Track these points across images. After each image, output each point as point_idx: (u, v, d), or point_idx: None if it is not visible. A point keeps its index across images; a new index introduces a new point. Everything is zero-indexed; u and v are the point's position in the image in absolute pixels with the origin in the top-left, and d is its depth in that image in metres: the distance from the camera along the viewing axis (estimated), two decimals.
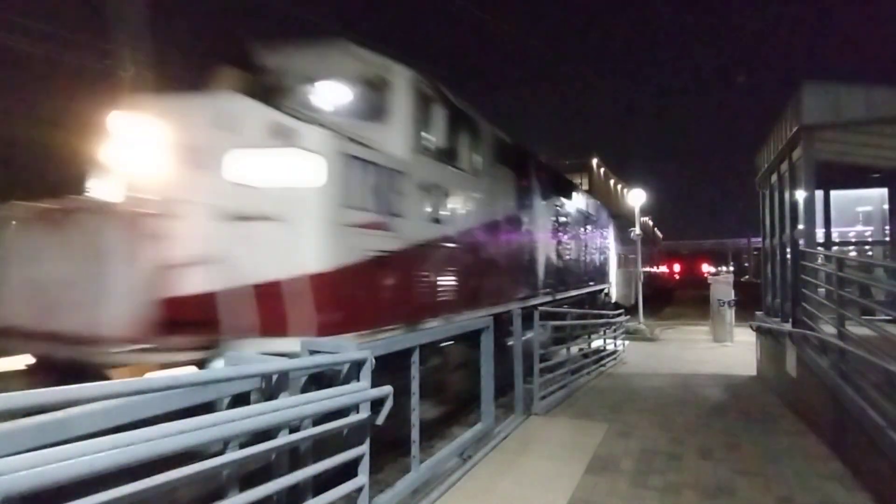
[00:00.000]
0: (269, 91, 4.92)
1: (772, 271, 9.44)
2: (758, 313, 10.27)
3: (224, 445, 2.21)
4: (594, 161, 28.42)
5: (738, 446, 5.47)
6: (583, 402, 7.56)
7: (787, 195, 8.19)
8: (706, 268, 61.23)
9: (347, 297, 3.95)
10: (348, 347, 3.07)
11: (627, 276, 20.71)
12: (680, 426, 6.26)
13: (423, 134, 5.28)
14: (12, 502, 1.43)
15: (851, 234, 13.21)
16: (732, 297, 16.33)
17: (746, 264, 67.62)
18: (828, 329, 5.84)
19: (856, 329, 5.16)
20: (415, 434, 3.92)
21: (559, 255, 10.30)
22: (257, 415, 2.29)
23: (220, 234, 3.68)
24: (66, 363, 3.23)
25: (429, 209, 5.30)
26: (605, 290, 15.77)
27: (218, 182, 3.82)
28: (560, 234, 10.46)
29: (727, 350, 14.57)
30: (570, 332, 8.48)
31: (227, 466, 2.20)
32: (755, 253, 53.36)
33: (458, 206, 6.03)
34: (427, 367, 4.54)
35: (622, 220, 21.20)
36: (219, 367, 3.10)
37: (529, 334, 6.72)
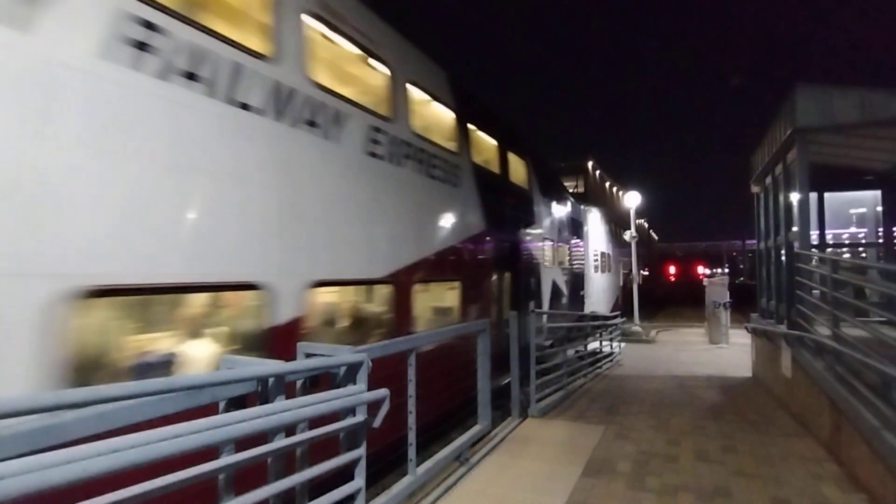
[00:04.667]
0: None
1: (766, 273, 9.48)
2: (753, 315, 10.31)
3: (220, 449, 2.20)
4: (590, 163, 28.47)
5: (734, 448, 5.48)
6: (580, 404, 7.56)
7: (781, 197, 8.24)
8: (702, 270, 61.54)
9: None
10: (344, 350, 3.07)
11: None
12: (676, 428, 6.28)
13: None
14: None
15: (845, 236, 13.31)
16: (728, 299, 16.41)
17: (741, 266, 67.89)
18: (822, 331, 5.86)
19: (850, 330, 5.18)
20: (411, 437, 3.91)
21: None
22: (253, 418, 2.28)
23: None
24: None
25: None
26: None
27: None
28: None
29: (723, 352, 14.63)
30: None
31: (222, 470, 2.19)
32: (750, 255, 53.62)
33: None
34: None
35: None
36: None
37: None
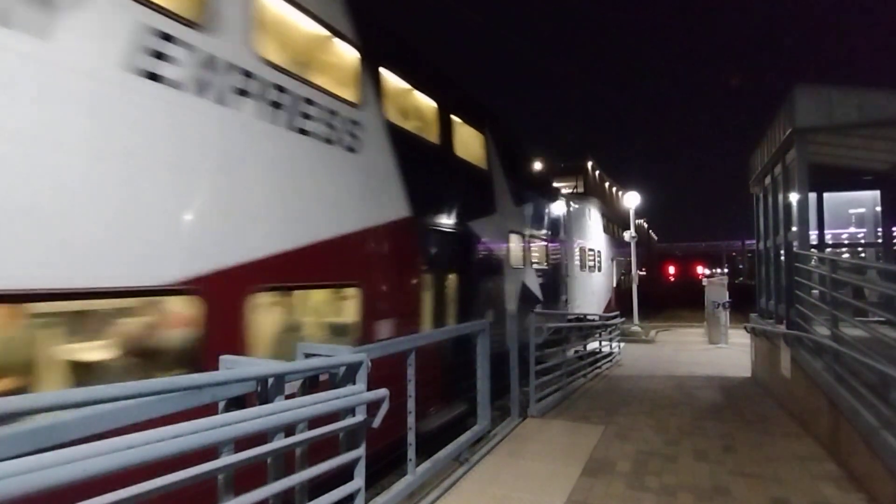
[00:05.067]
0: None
1: (766, 273, 9.49)
2: (752, 315, 10.32)
3: (219, 449, 2.20)
4: (589, 163, 28.50)
5: (733, 448, 5.49)
6: (579, 404, 7.57)
7: (780, 197, 8.25)
8: (701, 270, 61.63)
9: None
10: (344, 351, 3.07)
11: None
12: (675, 428, 6.28)
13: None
14: None
15: (844, 236, 13.33)
16: (727, 299, 16.44)
17: (741, 266, 67.93)
18: (821, 331, 5.87)
19: (849, 330, 5.19)
20: (411, 437, 3.91)
21: None
22: (253, 418, 2.28)
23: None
24: None
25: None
26: None
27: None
28: None
29: (722, 352, 14.64)
30: None
31: (222, 470, 2.19)
32: (749, 255, 53.64)
33: None
34: None
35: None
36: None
37: None
